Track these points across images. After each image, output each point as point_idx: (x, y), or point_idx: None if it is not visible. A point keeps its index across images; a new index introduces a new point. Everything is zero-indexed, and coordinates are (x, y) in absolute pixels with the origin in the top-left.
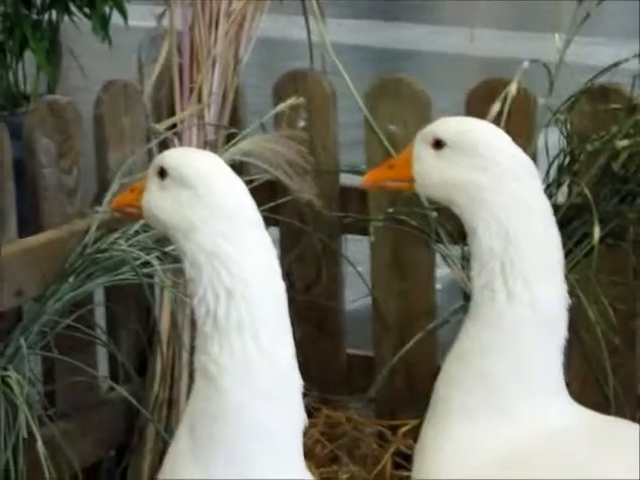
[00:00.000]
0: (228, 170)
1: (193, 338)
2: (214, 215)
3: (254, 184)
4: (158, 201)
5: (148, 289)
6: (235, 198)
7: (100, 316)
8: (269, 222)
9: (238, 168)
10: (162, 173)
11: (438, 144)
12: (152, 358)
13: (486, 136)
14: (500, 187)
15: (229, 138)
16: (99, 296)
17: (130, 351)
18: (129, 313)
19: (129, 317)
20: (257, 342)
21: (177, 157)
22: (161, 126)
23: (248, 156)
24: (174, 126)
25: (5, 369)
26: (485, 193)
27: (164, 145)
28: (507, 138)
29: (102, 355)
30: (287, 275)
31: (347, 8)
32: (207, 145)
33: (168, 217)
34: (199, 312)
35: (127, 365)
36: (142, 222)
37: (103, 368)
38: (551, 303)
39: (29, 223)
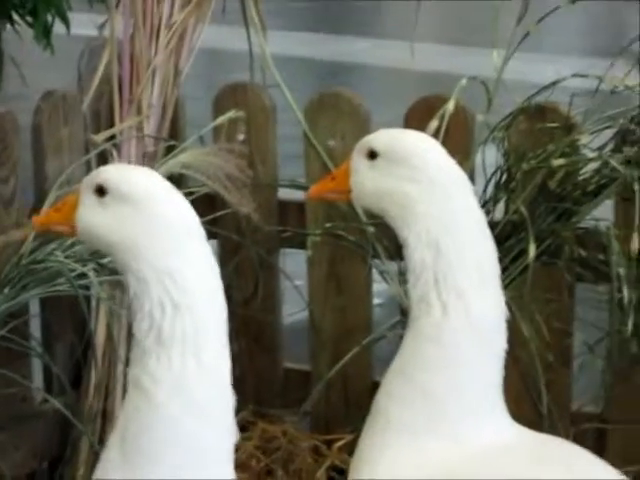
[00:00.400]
0: (168, 185)
1: (129, 350)
2: (159, 230)
3: (193, 197)
4: (96, 218)
5: (84, 301)
6: (179, 212)
7: (35, 327)
8: (208, 235)
9: (177, 181)
10: (101, 190)
11: (372, 155)
12: (87, 370)
13: (418, 146)
14: (431, 198)
15: (168, 150)
16: (34, 307)
17: (65, 363)
18: (64, 325)
19: (64, 329)
20: (197, 357)
21: (117, 173)
22: (100, 137)
23: (187, 169)
24: (113, 137)
25: None
26: (415, 204)
27: (102, 156)
28: (440, 149)
29: (37, 367)
30: (225, 288)
31: (291, 20)
32: (146, 157)
33: (108, 234)
34: (141, 326)
35: (62, 377)
36: None
37: (38, 380)
38: (487, 313)
39: None
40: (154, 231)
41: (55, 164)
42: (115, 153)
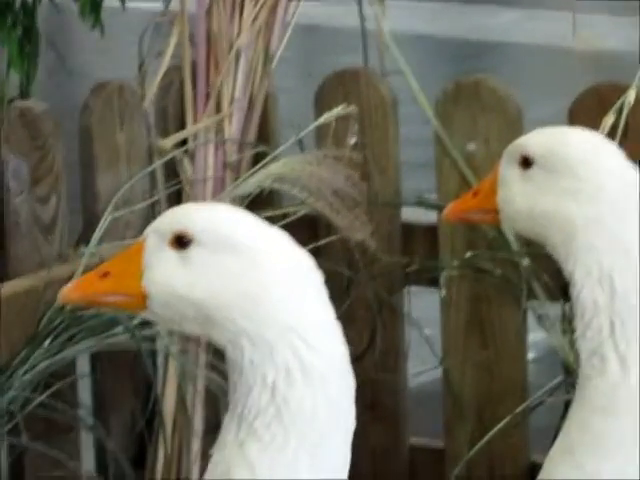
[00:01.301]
0: (269, 226)
1: (207, 421)
2: (276, 279)
3: (288, 220)
4: (180, 279)
5: (148, 357)
6: (295, 255)
7: (85, 392)
8: None
9: (267, 198)
10: (181, 240)
11: (526, 162)
12: (152, 447)
13: (587, 151)
14: (603, 220)
15: (256, 159)
16: (83, 366)
17: (123, 437)
18: (122, 388)
19: (122, 393)
20: (317, 448)
21: (204, 216)
22: (167, 143)
23: (281, 182)
24: (184, 142)
25: None
26: (583, 228)
27: (170, 168)
28: (618, 154)
29: (87, 443)
30: None
31: None
32: (227, 168)
33: (204, 296)
34: (257, 401)
35: (119, 456)
36: None
37: (88, 459)
38: None
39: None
40: (271, 281)
41: (109, 178)
42: (187, 163)
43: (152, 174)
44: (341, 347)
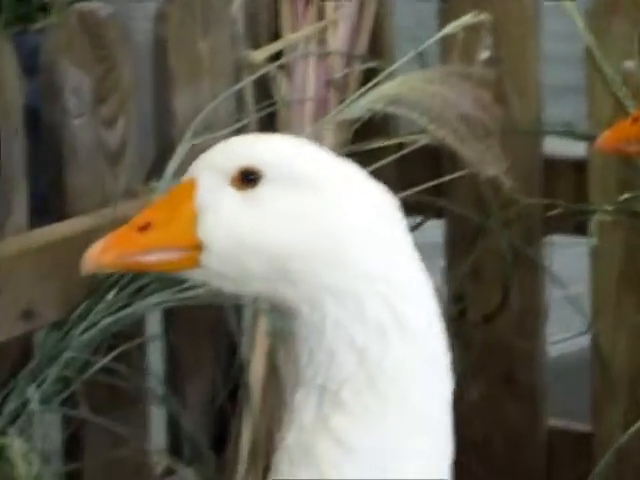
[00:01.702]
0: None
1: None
2: (361, 222)
3: (405, 151)
4: (247, 222)
5: (232, 314)
6: (379, 194)
7: (155, 356)
8: (428, 211)
9: (379, 125)
10: (248, 177)
11: None
12: (236, 424)
13: None
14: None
15: (367, 76)
16: (153, 324)
17: (201, 412)
18: (200, 353)
19: (200, 358)
20: (422, 412)
21: (274, 148)
22: (259, 55)
23: (397, 105)
24: (279, 55)
25: (3, 433)
26: None
27: (262, 86)
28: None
29: (157, 418)
30: (455, 299)
31: None
32: (332, 86)
33: (275, 242)
34: (342, 366)
35: (196, 434)
36: None
37: (159, 437)
38: None
39: (48, 205)
40: (357, 222)
41: (188, 98)
42: (283, 80)
43: (240, 93)
44: (435, 303)
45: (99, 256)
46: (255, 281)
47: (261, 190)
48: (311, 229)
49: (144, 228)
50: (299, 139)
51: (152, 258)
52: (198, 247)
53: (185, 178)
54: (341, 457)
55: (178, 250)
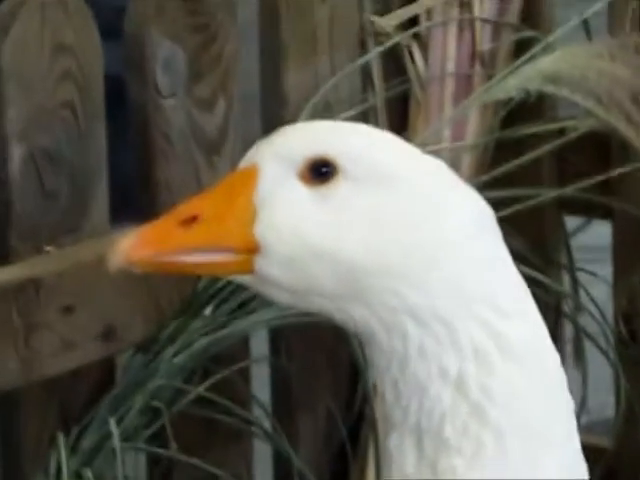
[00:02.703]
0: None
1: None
2: (464, 231)
3: (565, 138)
4: (313, 223)
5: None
6: (475, 200)
7: (261, 384)
8: (594, 211)
9: (535, 107)
10: (320, 169)
11: None
12: (357, 465)
13: None
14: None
15: (520, 49)
16: (259, 346)
17: (315, 451)
18: (315, 379)
19: (315, 387)
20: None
21: (353, 138)
22: (389, 22)
23: (556, 84)
24: (413, 23)
25: (79, 476)
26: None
27: (393, 57)
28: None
29: (262, 455)
30: (625, 316)
31: None
32: (477, 61)
33: (346, 249)
34: (436, 403)
35: (310, 475)
36: None
37: (265, 477)
38: None
39: (132, 202)
40: (452, 232)
41: (302, 74)
42: (418, 52)
43: (365, 68)
44: (538, 315)
45: (131, 251)
46: (319, 296)
47: (336, 187)
48: (395, 238)
49: (189, 222)
50: (376, 129)
51: (195, 259)
52: (253, 249)
53: (244, 164)
54: None
55: (228, 251)
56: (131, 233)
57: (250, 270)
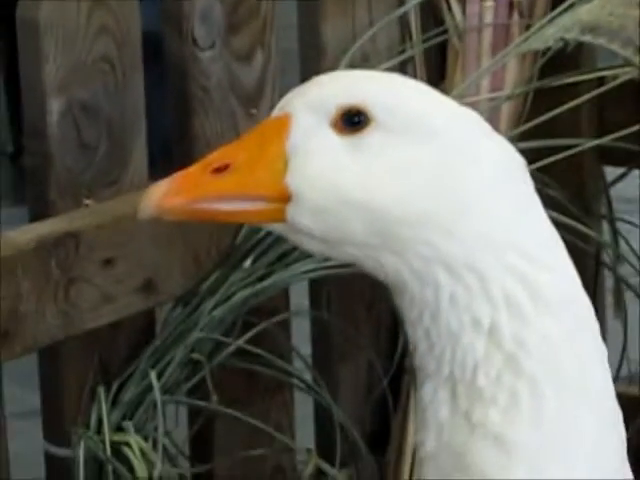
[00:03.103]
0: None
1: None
2: (495, 180)
3: (605, 87)
4: (348, 173)
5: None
6: (509, 150)
7: (301, 336)
8: (633, 160)
9: (573, 57)
10: (353, 118)
11: None
12: (398, 418)
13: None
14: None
15: None
16: (299, 298)
17: (356, 404)
18: (355, 331)
19: (355, 339)
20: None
21: (385, 87)
22: None
23: (594, 34)
24: None
25: (120, 429)
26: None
27: (430, 10)
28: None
29: (304, 408)
30: None
31: None
32: (514, 10)
33: (383, 200)
34: (469, 353)
35: (350, 430)
36: None
37: (305, 431)
38: None
39: (170, 154)
40: (482, 182)
41: (340, 24)
42: (455, 1)
43: (403, 19)
44: (571, 265)
45: (162, 199)
46: (351, 245)
47: (369, 136)
48: (427, 187)
49: (221, 170)
50: (411, 80)
51: (227, 207)
52: (285, 198)
53: (277, 113)
54: (505, 458)
55: (260, 199)
56: (163, 181)
57: (282, 219)
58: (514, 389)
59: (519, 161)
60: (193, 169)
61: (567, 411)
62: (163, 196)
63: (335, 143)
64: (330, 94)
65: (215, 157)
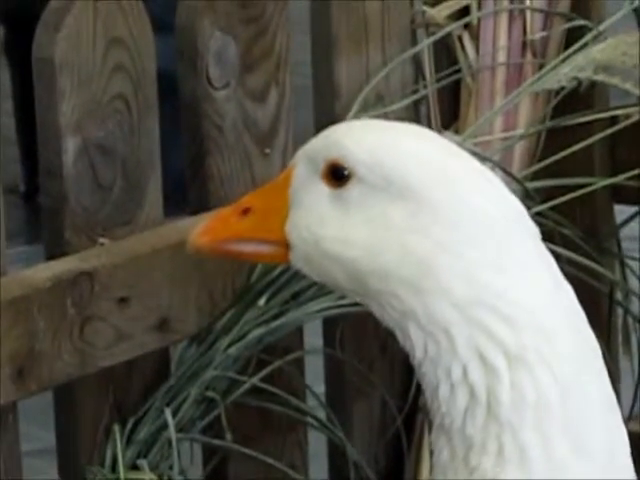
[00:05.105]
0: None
1: None
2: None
3: (617, 127)
4: (333, 226)
5: None
6: (504, 201)
7: (315, 374)
8: None
9: (586, 97)
10: (337, 173)
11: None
12: (413, 456)
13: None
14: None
15: (571, 38)
16: (313, 337)
17: (370, 441)
18: (369, 369)
19: (369, 376)
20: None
21: (371, 140)
22: (440, 12)
23: (608, 73)
24: (465, 12)
25: (135, 467)
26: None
27: (444, 48)
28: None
29: (317, 446)
30: None
31: None
32: (528, 50)
33: (361, 255)
34: (448, 403)
35: (364, 467)
36: None
37: (319, 471)
38: None
39: (184, 194)
40: (445, 241)
41: (353, 64)
42: (469, 42)
43: (417, 58)
44: (545, 315)
45: (198, 237)
46: (344, 290)
47: (350, 189)
48: (393, 243)
49: (245, 212)
50: (410, 127)
51: (245, 248)
52: (285, 243)
53: (291, 162)
54: None
55: (269, 243)
56: (204, 218)
57: (286, 262)
58: (499, 437)
59: (514, 213)
60: (225, 210)
61: (555, 464)
62: (197, 235)
63: (323, 195)
64: (320, 147)
65: (244, 200)
